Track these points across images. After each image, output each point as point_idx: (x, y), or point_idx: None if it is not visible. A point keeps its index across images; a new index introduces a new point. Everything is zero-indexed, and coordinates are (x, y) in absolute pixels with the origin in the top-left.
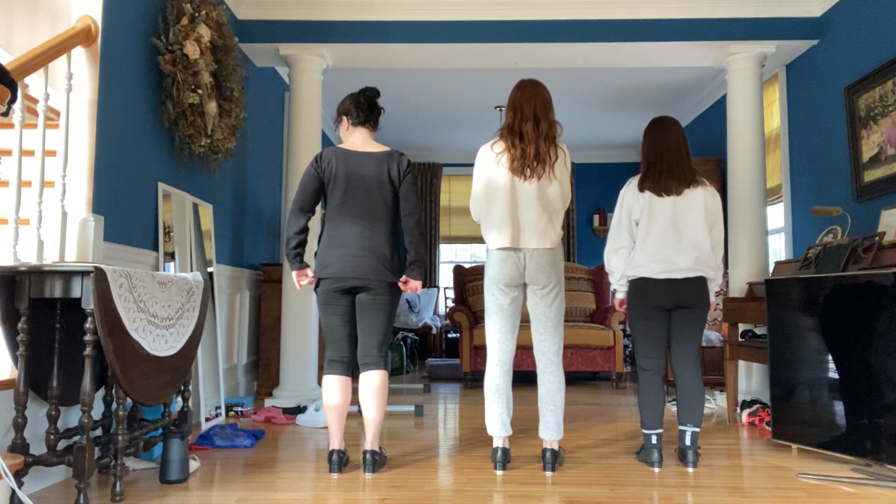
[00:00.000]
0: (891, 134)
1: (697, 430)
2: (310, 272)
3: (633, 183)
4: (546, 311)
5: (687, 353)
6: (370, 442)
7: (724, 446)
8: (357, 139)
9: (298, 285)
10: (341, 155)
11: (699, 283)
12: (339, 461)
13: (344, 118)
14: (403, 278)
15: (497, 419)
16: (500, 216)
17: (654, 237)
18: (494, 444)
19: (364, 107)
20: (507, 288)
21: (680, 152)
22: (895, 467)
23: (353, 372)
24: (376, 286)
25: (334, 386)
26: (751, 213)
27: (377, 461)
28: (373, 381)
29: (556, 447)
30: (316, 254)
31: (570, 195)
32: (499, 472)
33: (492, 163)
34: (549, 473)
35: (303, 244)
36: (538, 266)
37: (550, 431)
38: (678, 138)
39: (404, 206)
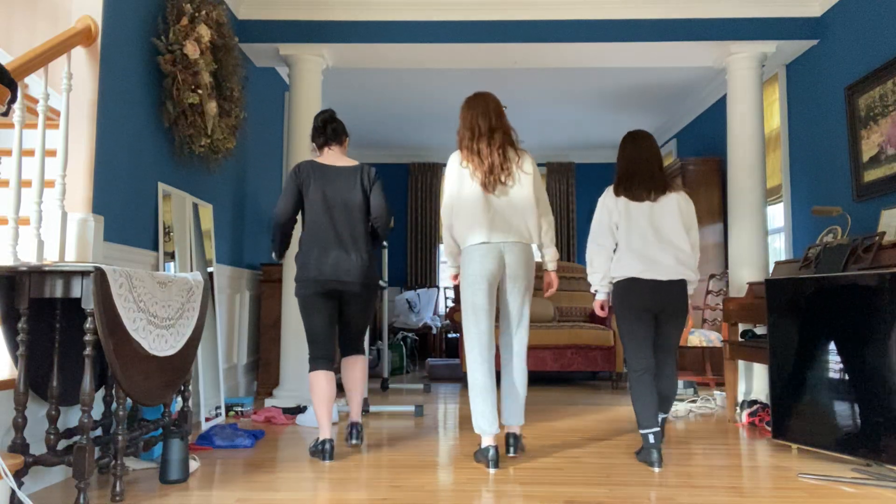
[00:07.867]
0: (891, 134)
1: (667, 415)
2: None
3: (609, 189)
4: (518, 306)
5: (669, 352)
6: (355, 414)
7: (724, 446)
8: (328, 156)
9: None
10: (317, 168)
11: (681, 287)
12: (332, 450)
13: (314, 144)
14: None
15: (484, 417)
16: (473, 216)
17: (636, 238)
18: (484, 444)
19: (321, 130)
20: (488, 285)
21: (651, 165)
22: (895, 467)
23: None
24: (359, 289)
25: (324, 380)
26: (751, 213)
27: (360, 432)
28: (358, 365)
29: (517, 431)
30: (297, 257)
31: (545, 196)
32: (491, 471)
33: (461, 176)
34: (511, 455)
35: (286, 247)
36: (518, 260)
37: (513, 417)
38: (650, 151)
39: (375, 208)
